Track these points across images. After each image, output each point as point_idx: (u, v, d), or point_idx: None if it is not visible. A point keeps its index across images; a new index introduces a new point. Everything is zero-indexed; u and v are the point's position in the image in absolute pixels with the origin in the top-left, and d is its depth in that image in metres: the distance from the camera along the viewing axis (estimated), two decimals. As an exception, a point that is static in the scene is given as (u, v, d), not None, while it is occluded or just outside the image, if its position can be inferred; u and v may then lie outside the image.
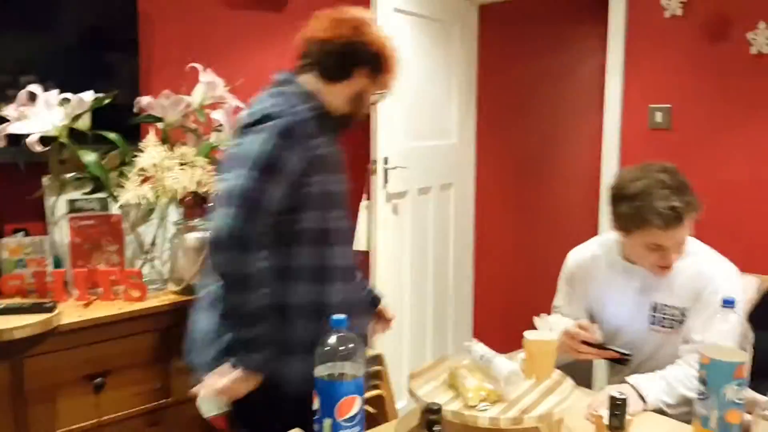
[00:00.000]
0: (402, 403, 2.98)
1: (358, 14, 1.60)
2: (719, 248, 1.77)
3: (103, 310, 1.76)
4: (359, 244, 2.85)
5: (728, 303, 1.35)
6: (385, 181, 2.81)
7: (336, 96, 1.58)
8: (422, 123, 3.06)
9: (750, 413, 1.29)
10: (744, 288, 1.73)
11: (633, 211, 1.61)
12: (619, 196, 1.66)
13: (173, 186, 1.81)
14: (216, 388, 1.40)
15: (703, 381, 1.30)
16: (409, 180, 2.96)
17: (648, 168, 1.64)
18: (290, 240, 1.48)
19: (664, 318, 1.74)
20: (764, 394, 1.45)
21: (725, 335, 1.52)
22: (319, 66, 1.57)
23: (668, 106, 2.74)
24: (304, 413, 1.24)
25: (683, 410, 1.59)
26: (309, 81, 1.59)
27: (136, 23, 2.18)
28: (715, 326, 1.53)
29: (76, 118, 1.88)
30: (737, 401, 1.27)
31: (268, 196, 1.39)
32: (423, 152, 3.06)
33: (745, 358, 1.29)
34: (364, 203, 2.86)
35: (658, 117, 2.76)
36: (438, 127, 3.18)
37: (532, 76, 3.78)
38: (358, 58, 1.57)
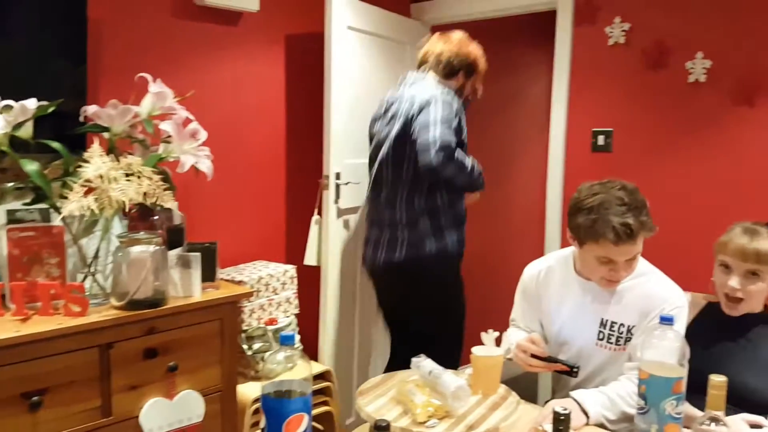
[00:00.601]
0: (350, 419, 2.96)
1: (459, 35, 2.57)
2: (654, 265, 1.84)
3: (41, 325, 1.69)
4: (309, 259, 2.84)
5: (666, 320, 1.40)
6: (337, 196, 2.81)
7: (449, 87, 2.49)
8: (374, 140, 3.08)
9: (688, 428, 1.34)
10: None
11: (588, 223, 1.66)
12: (577, 208, 1.71)
13: (119, 197, 1.77)
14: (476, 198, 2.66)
15: (642, 396, 1.34)
16: (361, 196, 2.97)
17: (608, 184, 1.70)
18: None
19: (611, 335, 1.79)
20: (700, 409, 1.51)
21: (664, 351, 1.57)
22: (435, 68, 2.53)
23: (610, 129, 2.84)
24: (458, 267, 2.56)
25: (624, 426, 1.64)
26: (432, 76, 2.52)
27: (84, 30, 2.13)
28: (654, 342, 1.58)
29: (19, 125, 1.81)
30: (675, 415, 1.31)
31: (445, 134, 2.28)
32: (374, 169, 3.08)
33: (683, 373, 1.34)
34: (315, 218, 2.85)
35: (601, 140, 2.86)
36: (389, 145, 3.20)
37: (482, 97, 3.86)
38: (459, 65, 2.53)
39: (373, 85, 3.04)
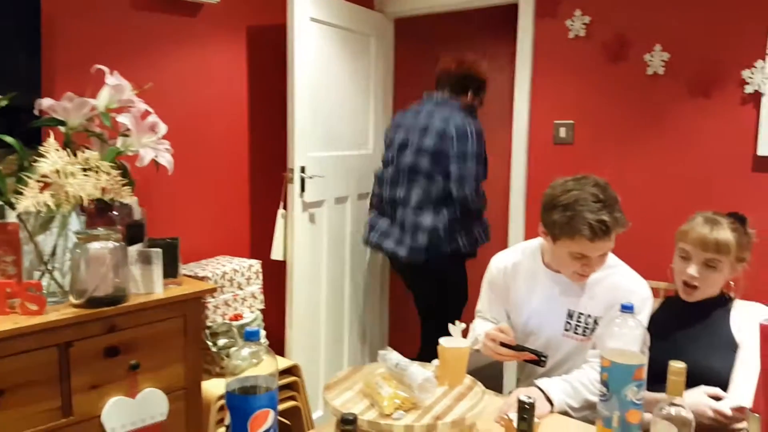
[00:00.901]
0: (318, 413, 2.95)
1: (470, 57, 2.91)
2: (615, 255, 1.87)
3: (-3, 325, 1.65)
4: (276, 253, 2.81)
5: (626, 308, 1.42)
6: (302, 190, 2.79)
7: (460, 102, 2.84)
8: (339, 133, 3.07)
9: (649, 413, 1.37)
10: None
11: (564, 220, 1.68)
12: (551, 205, 1.72)
13: (77, 193, 1.73)
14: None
15: (604, 383, 1.37)
16: (326, 189, 2.96)
17: (582, 181, 1.72)
18: None
19: (578, 325, 1.81)
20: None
21: (625, 339, 1.60)
22: (449, 87, 2.86)
23: (571, 122, 2.88)
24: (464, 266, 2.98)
25: (587, 413, 1.67)
26: (449, 96, 2.86)
27: (38, 21, 2.07)
28: (616, 331, 1.62)
29: (-31, 120, 1.76)
30: (636, 401, 1.34)
31: (478, 171, 2.74)
32: (340, 162, 3.06)
33: (643, 360, 1.37)
34: (281, 212, 2.83)
35: (562, 132, 2.90)
36: (355, 137, 3.20)
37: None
38: (469, 83, 2.87)
39: (337, 77, 3.02)
